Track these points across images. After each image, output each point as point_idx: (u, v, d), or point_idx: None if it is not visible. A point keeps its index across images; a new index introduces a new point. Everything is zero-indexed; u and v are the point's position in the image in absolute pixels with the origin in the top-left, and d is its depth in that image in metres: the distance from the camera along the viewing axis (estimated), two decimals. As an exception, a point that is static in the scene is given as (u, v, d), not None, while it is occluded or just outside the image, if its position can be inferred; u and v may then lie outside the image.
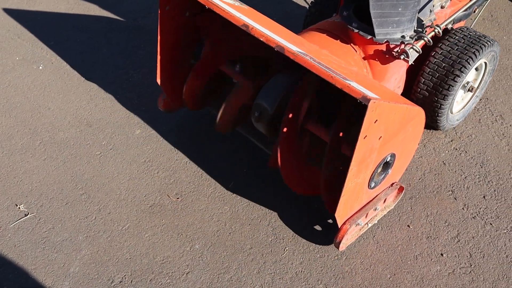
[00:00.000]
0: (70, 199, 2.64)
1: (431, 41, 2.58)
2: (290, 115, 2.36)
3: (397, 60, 2.59)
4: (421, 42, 2.59)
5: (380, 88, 2.33)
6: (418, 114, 2.35)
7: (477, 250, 2.52)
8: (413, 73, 2.83)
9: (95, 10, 3.81)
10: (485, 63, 2.96)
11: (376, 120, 2.04)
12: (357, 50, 2.61)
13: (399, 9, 2.45)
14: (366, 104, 1.91)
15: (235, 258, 2.45)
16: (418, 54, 2.56)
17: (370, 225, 2.56)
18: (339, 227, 2.39)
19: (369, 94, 1.97)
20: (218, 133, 2.94)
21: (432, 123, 2.94)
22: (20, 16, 3.72)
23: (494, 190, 2.78)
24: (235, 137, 2.95)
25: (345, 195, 2.22)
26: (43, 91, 3.19)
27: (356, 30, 2.50)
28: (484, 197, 2.74)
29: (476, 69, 3.00)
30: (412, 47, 2.52)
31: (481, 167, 2.89)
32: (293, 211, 2.64)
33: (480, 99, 3.22)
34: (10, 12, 3.78)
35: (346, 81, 2.00)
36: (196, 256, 2.45)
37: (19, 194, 2.65)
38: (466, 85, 2.92)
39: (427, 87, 2.78)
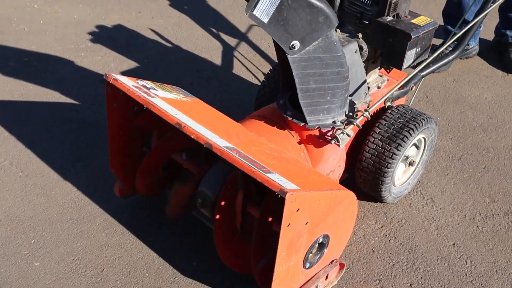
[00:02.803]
0: (-7, 303, 2.61)
1: (360, 126, 2.72)
2: (223, 203, 2.46)
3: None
4: (352, 126, 2.70)
5: (307, 175, 2.47)
6: (347, 196, 2.47)
7: None
8: (360, 142, 2.99)
9: (38, 103, 3.88)
10: (424, 139, 3.10)
11: (298, 209, 2.14)
12: (294, 136, 2.74)
13: (328, 98, 2.59)
14: (284, 197, 2.02)
15: None
16: (349, 138, 2.69)
17: None
18: None
19: (289, 186, 2.09)
20: (149, 227, 2.96)
21: (375, 194, 3.06)
22: (-38, 111, 3.77)
23: (421, 278, 2.80)
24: (167, 232, 2.97)
25: (277, 278, 2.27)
26: (-23, 188, 3.20)
27: (290, 118, 2.60)
28: (410, 285, 2.76)
29: (417, 147, 3.14)
30: (342, 132, 2.62)
31: (410, 253, 2.93)
32: (219, 307, 2.63)
33: (411, 183, 3.29)
34: (-46, 107, 3.83)
35: (267, 175, 2.13)
36: None
37: None
38: (407, 158, 3.08)
39: (372, 156, 2.93)
